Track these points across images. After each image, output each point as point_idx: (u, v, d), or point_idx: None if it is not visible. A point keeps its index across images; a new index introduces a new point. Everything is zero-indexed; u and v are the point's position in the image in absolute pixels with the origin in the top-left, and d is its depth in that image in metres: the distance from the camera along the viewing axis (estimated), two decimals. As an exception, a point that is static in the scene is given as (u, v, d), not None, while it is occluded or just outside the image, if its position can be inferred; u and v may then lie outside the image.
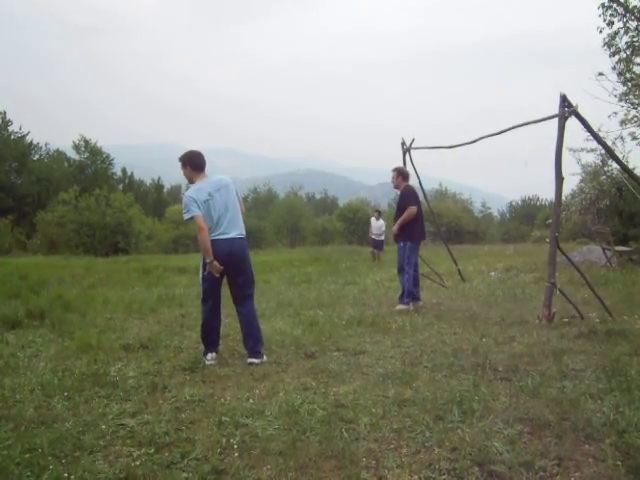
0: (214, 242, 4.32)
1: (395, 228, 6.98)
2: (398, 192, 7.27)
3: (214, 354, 4.51)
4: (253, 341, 4.48)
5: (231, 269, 4.42)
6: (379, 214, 16.76)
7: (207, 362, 4.41)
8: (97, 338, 5.17)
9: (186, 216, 4.32)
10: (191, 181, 4.53)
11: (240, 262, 4.47)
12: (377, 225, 15.96)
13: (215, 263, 4.29)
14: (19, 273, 10.79)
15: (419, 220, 7.00)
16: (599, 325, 5.41)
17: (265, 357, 4.45)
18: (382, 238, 16.01)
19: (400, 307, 6.82)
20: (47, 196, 29.11)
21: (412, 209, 6.84)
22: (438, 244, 16.50)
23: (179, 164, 4.56)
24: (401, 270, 7.03)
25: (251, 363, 4.35)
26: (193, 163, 4.50)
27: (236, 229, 4.44)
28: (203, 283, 4.48)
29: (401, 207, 7.03)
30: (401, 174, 7.20)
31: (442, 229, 21.09)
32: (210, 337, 4.55)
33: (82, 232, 21.50)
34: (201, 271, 4.48)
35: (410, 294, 6.94)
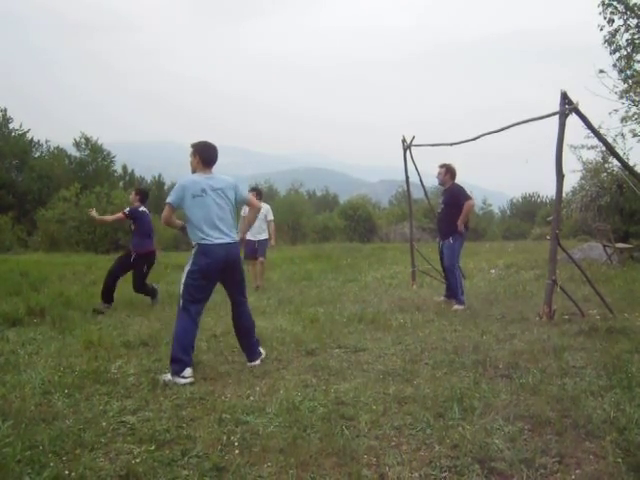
0: (206, 247, 4.05)
1: (460, 226, 6.71)
2: (442, 188, 7.18)
3: (190, 368, 3.96)
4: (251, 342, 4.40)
5: (227, 275, 4.20)
6: (258, 194, 8.52)
7: (185, 381, 3.82)
8: (98, 335, 5.17)
9: (168, 199, 4.18)
10: (194, 172, 4.30)
11: (235, 268, 4.24)
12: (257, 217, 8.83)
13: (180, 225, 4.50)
14: (20, 270, 10.78)
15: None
16: (600, 322, 5.41)
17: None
18: (264, 237, 9.04)
19: (458, 307, 6.56)
20: (48, 193, 29.09)
21: (471, 202, 6.85)
22: (439, 241, 16.39)
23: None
24: (451, 268, 6.86)
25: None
26: (203, 155, 4.24)
27: (230, 234, 4.17)
28: (188, 289, 4.05)
29: (451, 204, 6.90)
30: (450, 171, 7.10)
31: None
32: (189, 350, 4.04)
33: (83, 229, 21.48)
34: (186, 274, 4.08)
35: (462, 290, 6.80)
